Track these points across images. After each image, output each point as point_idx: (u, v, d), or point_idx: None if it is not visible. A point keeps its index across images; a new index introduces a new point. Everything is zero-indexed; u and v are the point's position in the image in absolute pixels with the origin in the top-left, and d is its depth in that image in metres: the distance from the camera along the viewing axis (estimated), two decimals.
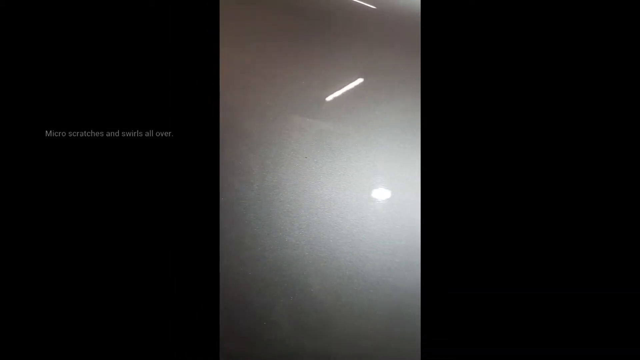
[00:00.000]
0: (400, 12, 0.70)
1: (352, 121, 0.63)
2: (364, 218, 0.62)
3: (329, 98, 0.63)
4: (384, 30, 0.68)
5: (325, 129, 0.62)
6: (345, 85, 0.64)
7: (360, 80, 0.65)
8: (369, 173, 0.63)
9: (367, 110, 0.64)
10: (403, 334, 0.65)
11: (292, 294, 0.60)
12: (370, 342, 0.66)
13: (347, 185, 0.62)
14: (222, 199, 0.57)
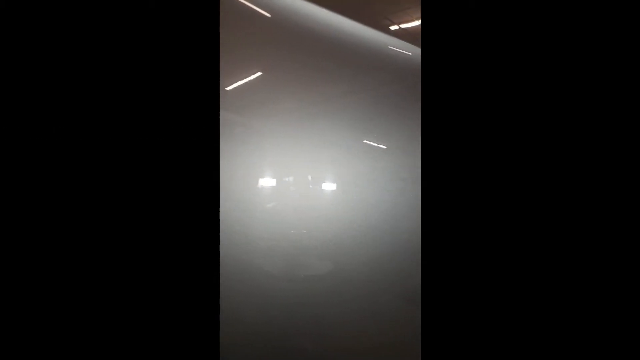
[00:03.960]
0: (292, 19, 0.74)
1: (251, 112, 0.65)
2: (252, 204, 0.63)
3: (229, 88, 0.64)
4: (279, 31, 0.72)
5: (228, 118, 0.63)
6: (245, 78, 0.66)
7: (259, 74, 0.66)
8: (258, 163, 0.63)
9: (266, 103, 0.65)
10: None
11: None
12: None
13: (244, 173, 0.63)
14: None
